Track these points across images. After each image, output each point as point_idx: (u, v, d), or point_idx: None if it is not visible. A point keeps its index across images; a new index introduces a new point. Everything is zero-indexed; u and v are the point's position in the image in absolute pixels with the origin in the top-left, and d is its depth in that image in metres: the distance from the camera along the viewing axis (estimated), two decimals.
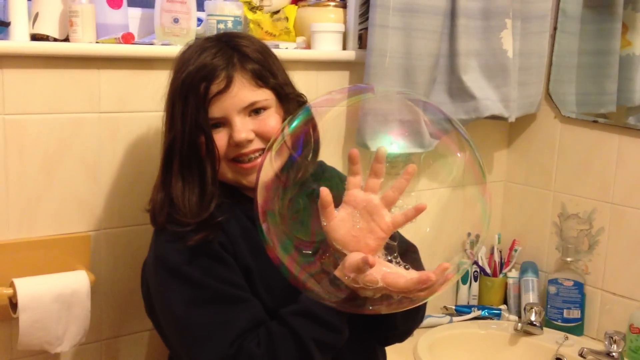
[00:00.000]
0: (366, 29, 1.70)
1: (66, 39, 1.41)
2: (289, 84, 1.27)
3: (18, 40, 1.34)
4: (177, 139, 1.19)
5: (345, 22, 1.75)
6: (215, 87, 1.16)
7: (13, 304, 1.34)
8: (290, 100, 1.25)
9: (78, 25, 1.38)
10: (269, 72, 1.21)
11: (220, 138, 1.19)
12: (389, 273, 0.99)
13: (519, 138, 2.11)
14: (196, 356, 1.15)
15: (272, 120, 1.21)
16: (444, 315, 1.97)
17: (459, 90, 1.80)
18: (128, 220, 1.51)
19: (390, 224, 1.02)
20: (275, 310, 1.16)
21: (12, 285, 1.33)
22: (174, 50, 1.49)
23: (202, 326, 1.13)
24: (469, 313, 1.98)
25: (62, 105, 1.39)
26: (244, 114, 1.19)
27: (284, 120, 1.18)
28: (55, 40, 1.40)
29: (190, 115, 1.17)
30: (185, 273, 1.16)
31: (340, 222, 1.01)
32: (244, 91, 1.18)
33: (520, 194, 2.11)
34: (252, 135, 1.19)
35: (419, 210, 1.01)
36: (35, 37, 1.38)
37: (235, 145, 1.19)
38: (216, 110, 1.17)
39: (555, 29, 1.96)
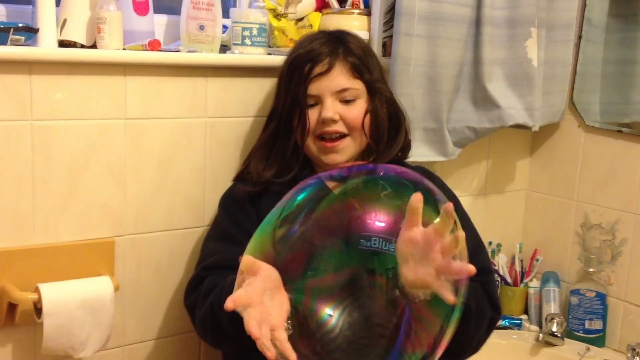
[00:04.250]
0: (390, 36, 1.70)
1: (93, 46, 1.41)
2: (381, 81, 1.43)
3: (46, 47, 1.34)
4: (278, 108, 1.40)
5: (369, 30, 1.74)
6: (318, 69, 1.35)
7: (37, 309, 1.34)
8: (379, 95, 1.40)
9: (105, 32, 1.38)
10: (366, 68, 1.38)
11: (312, 114, 1.37)
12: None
13: (541, 147, 2.09)
14: None
15: (357, 109, 1.37)
16: None
17: (483, 99, 1.79)
18: (152, 226, 1.51)
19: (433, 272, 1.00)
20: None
21: (37, 290, 1.33)
22: (200, 57, 1.50)
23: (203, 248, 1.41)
24: None
25: (88, 111, 1.40)
26: (335, 97, 1.36)
27: (368, 112, 1.37)
28: (82, 46, 1.40)
29: (292, 89, 1.36)
30: (219, 213, 1.44)
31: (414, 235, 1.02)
32: (341, 77, 1.36)
33: (542, 203, 2.10)
34: (337, 117, 1.35)
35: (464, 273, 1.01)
36: (63, 44, 1.39)
37: (322, 122, 1.35)
38: (314, 89, 1.35)
39: (580, 37, 1.95)
